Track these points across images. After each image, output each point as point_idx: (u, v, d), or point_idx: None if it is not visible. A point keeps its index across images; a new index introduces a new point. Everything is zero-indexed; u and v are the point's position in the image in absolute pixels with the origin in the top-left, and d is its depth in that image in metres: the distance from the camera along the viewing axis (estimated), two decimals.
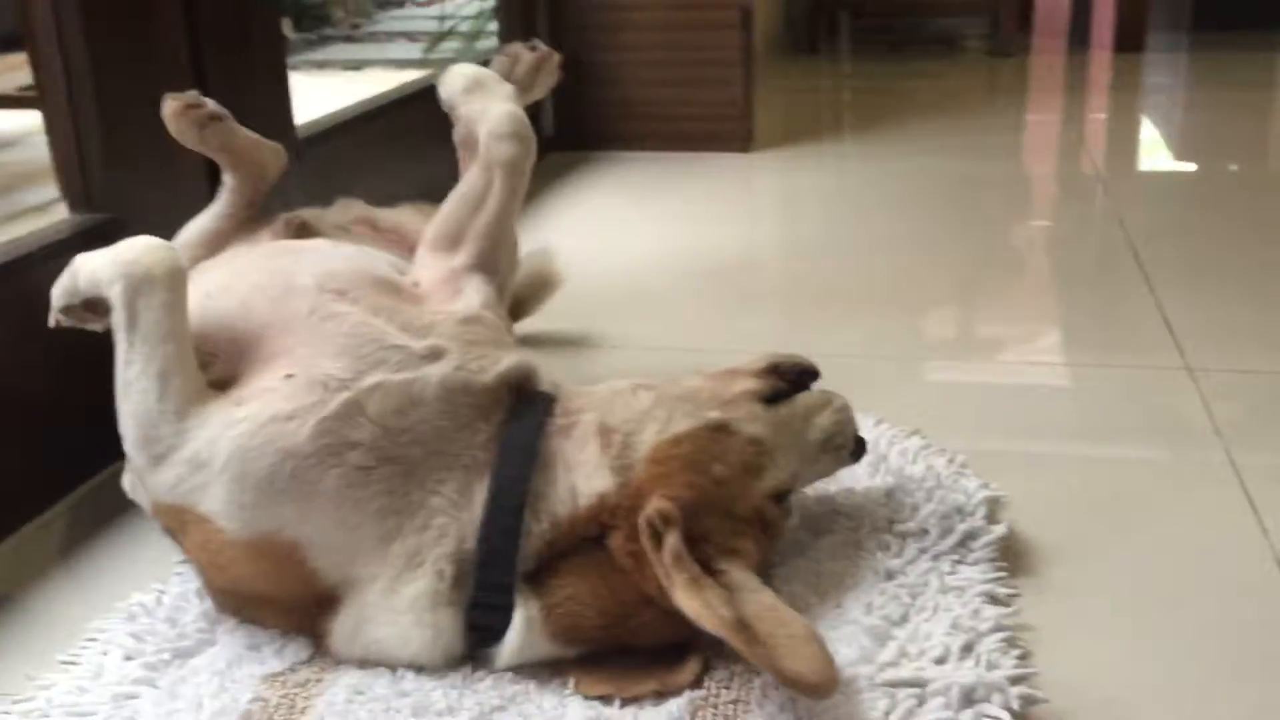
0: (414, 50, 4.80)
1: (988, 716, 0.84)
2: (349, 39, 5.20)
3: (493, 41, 4.28)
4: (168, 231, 1.34)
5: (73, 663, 0.93)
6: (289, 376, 0.92)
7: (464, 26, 4.47)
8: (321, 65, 4.71)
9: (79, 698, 0.88)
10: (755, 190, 2.52)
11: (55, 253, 1.17)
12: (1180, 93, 3.48)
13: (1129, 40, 3.91)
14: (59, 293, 1.02)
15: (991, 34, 4.18)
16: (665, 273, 1.90)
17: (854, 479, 1.14)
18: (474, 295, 1.05)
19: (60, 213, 2.56)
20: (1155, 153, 2.80)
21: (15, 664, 0.95)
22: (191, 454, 0.90)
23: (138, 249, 0.97)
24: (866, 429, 1.25)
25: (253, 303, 1.00)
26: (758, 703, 0.86)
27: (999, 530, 1.06)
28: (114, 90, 1.26)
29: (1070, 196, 2.41)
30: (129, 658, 0.91)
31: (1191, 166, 2.62)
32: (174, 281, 0.96)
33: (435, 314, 1.01)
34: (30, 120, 3.26)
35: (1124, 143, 2.92)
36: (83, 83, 1.23)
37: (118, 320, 0.96)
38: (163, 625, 0.95)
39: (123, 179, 1.27)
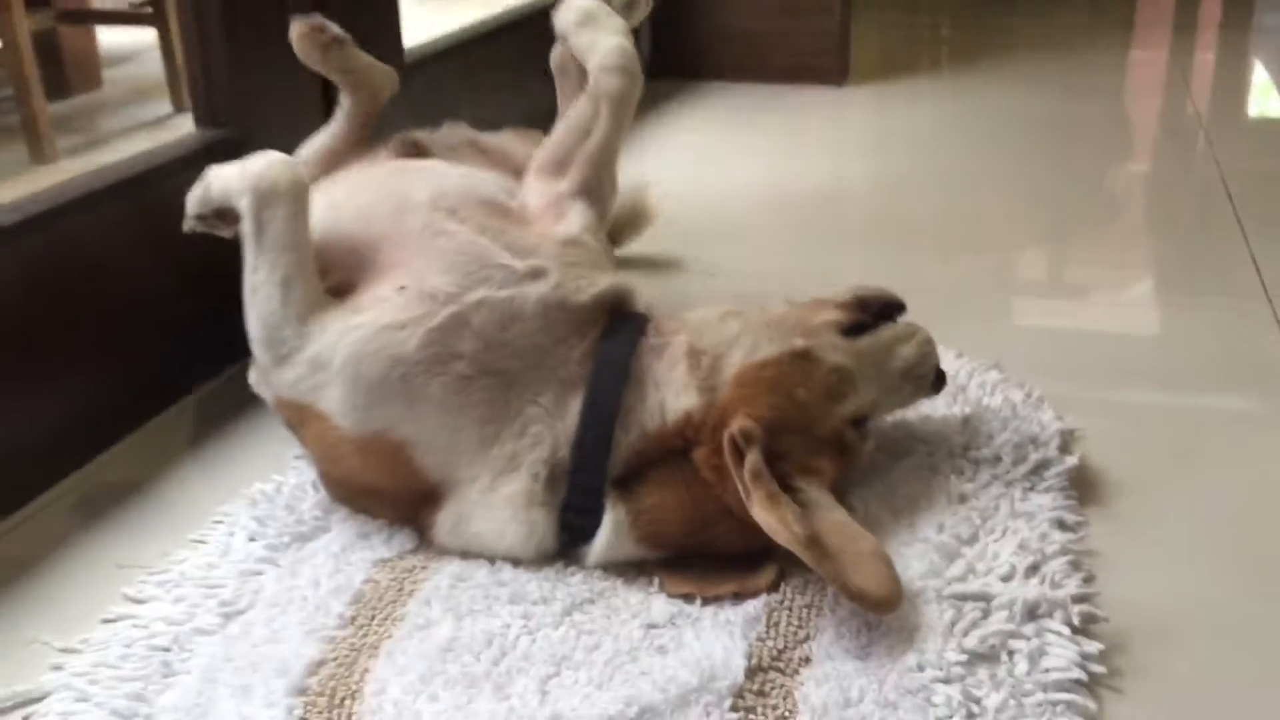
0: None
1: (1049, 630, 0.88)
2: None
3: None
4: (288, 147, 1.42)
5: (201, 542, 1.01)
6: (401, 288, 0.99)
7: None
8: None
9: (209, 572, 0.97)
10: (849, 124, 2.53)
11: (185, 165, 1.25)
12: None
13: None
14: (193, 201, 1.10)
15: None
16: (757, 202, 1.93)
17: (932, 407, 1.18)
18: (576, 219, 1.11)
19: (175, 126, 2.67)
20: (1262, 96, 2.75)
21: (149, 542, 1.03)
22: (312, 356, 0.98)
23: (265, 164, 1.04)
24: (947, 362, 1.29)
25: (370, 217, 1.07)
26: (830, 608, 0.91)
27: (1071, 461, 1.10)
28: (239, 13, 1.33)
29: (1169, 139, 2.38)
30: (253, 539, 1.00)
31: None
32: (297, 195, 1.03)
33: (539, 235, 1.06)
34: (142, 37, 3.38)
35: (1230, 85, 2.86)
36: (210, 5, 1.29)
37: (246, 229, 1.03)
38: (282, 511, 1.03)
39: (246, 97, 1.34)
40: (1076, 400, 1.21)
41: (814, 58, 2.66)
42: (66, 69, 2.88)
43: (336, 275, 1.04)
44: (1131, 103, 2.72)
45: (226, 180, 1.05)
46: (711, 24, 2.68)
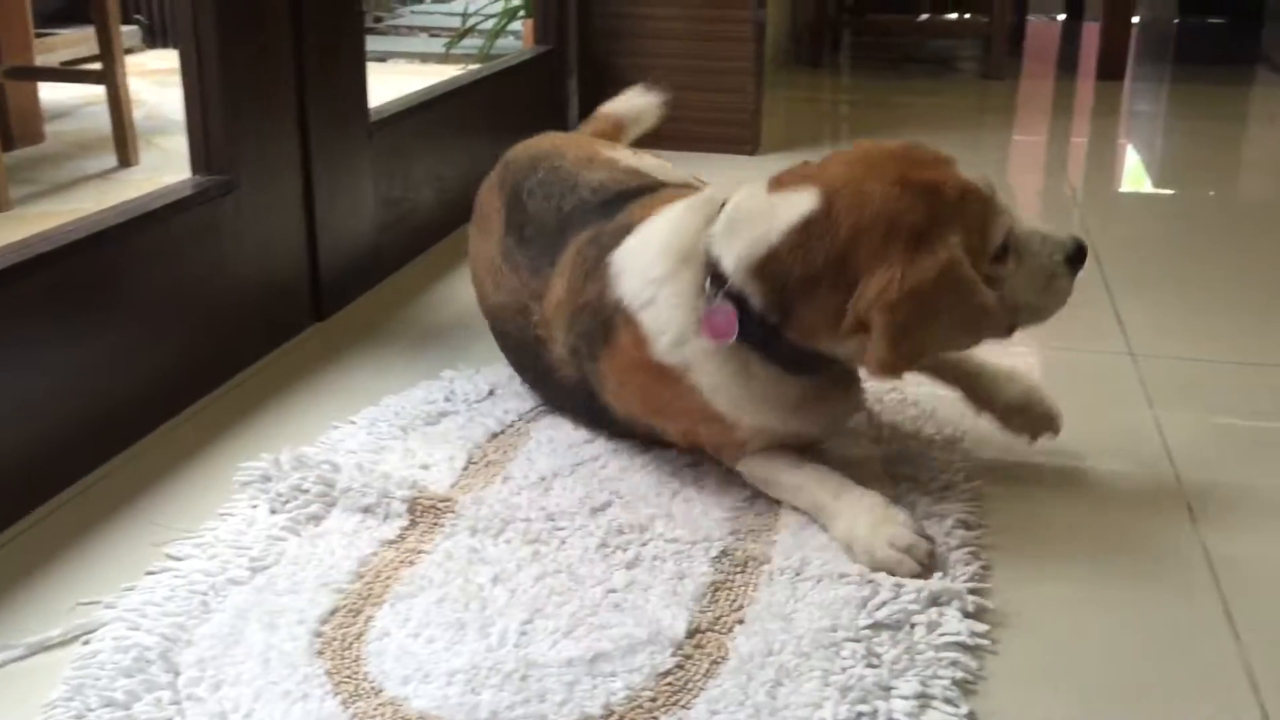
0: (435, 45, 5.00)
1: (946, 612, 1.04)
2: (371, 30, 5.40)
3: (513, 41, 4.50)
4: (270, 189, 1.58)
5: (229, 514, 1.16)
6: None
7: (485, 24, 4.68)
8: None
9: (240, 536, 1.11)
10: None
11: (184, 206, 1.40)
12: (1160, 120, 3.71)
13: (1111, 69, 4.17)
14: None
15: (984, 57, 4.41)
16: None
17: (856, 442, 1.35)
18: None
19: (121, 179, 2.78)
20: (1129, 175, 3.03)
21: (181, 515, 1.18)
22: None
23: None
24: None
25: None
26: (766, 585, 1.08)
27: (975, 484, 1.26)
28: (235, 79, 1.49)
29: (1047, 212, 2.62)
30: (274, 512, 1.15)
31: (1155, 187, 2.84)
32: None
33: None
34: (81, 92, 3.46)
35: (1102, 164, 3.14)
36: (212, 74, 1.45)
37: None
38: (296, 492, 1.18)
39: (234, 148, 1.49)
40: (973, 429, 1.39)
41: (729, 129, 2.88)
42: (10, 123, 2.96)
43: None
44: (1014, 179, 2.97)
45: None
46: None
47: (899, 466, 1.29)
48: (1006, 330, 1.19)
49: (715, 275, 1.13)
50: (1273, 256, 2.20)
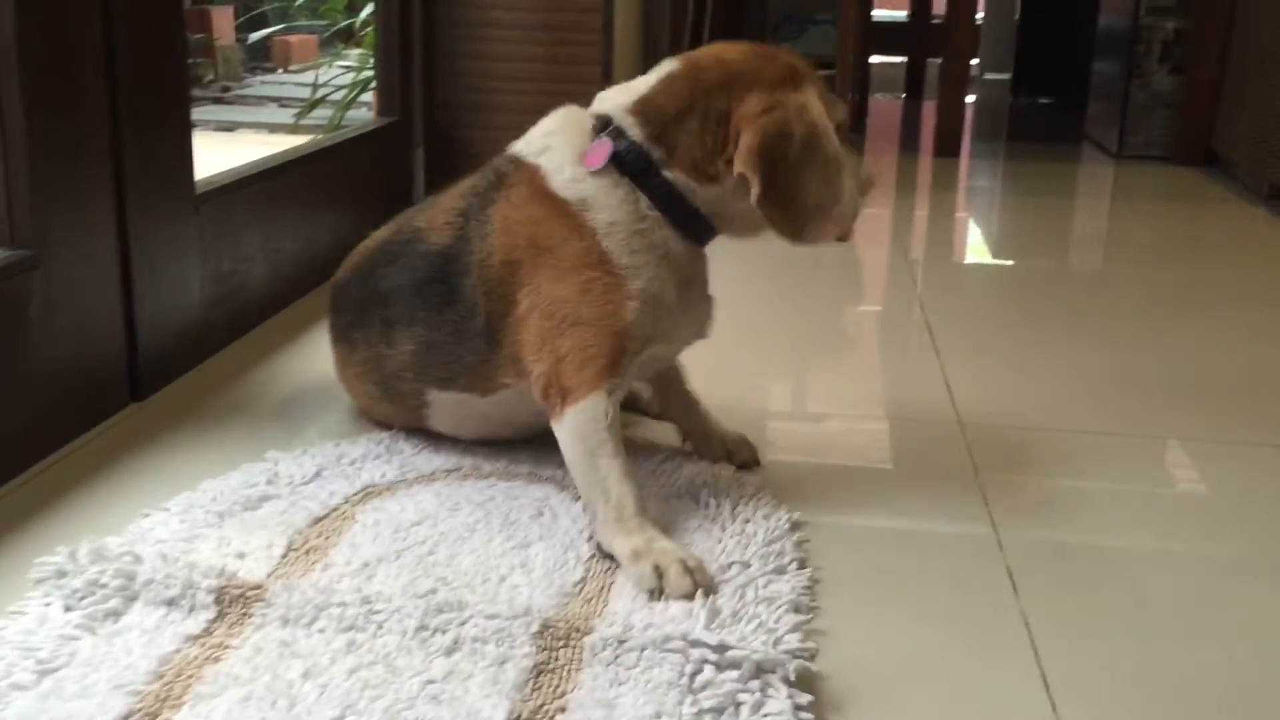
0: (285, 115, 4.94)
1: (770, 686, 1.02)
2: (219, 100, 5.31)
3: (364, 112, 4.47)
4: (81, 263, 1.51)
5: (20, 613, 1.08)
6: None
7: (336, 95, 4.64)
8: (192, 124, 4.81)
9: (28, 637, 1.04)
10: None
11: None
12: (997, 195, 3.87)
13: (948, 146, 4.34)
14: None
15: None
16: None
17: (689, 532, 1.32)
18: None
19: None
20: (969, 246, 3.14)
21: None
22: None
23: None
24: (701, 468, 1.47)
25: None
26: (588, 665, 1.05)
27: (807, 571, 1.25)
28: (41, 148, 1.42)
29: (892, 281, 2.69)
30: (69, 609, 1.08)
31: (994, 258, 2.95)
32: None
33: None
34: None
35: (942, 237, 3.25)
36: (16, 141, 1.39)
37: None
38: (93, 587, 1.11)
39: (41, 221, 1.42)
40: (790, 475, 1.41)
41: None
42: None
43: None
44: (860, 250, 3.05)
45: None
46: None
47: (729, 549, 1.27)
48: (852, 209, 1.39)
49: (599, 122, 1.32)
50: (1103, 325, 2.30)
